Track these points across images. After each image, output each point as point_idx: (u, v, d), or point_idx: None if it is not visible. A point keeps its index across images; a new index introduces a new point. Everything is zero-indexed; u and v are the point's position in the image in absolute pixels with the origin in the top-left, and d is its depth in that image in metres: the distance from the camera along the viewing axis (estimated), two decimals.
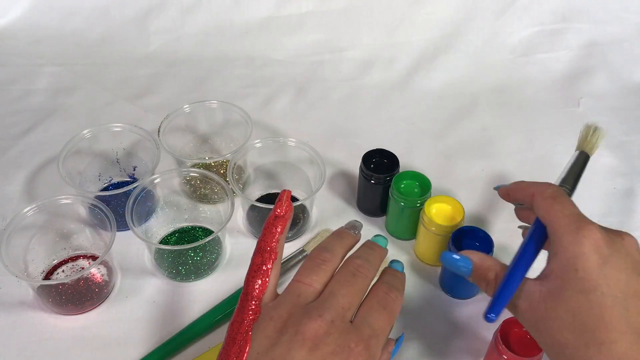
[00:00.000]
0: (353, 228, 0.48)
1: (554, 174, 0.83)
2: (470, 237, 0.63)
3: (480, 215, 0.76)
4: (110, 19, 1.04)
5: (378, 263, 0.44)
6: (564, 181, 0.55)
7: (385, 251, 0.46)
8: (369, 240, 0.47)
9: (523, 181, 0.50)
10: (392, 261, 0.47)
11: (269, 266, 0.41)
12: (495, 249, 0.72)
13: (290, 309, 0.38)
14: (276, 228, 0.42)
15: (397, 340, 0.45)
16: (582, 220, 0.42)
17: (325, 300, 0.39)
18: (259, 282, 0.40)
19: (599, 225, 0.42)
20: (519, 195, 0.50)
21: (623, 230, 0.43)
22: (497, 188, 0.54)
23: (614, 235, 0.42)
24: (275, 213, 0.43)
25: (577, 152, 0.59)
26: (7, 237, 0.62)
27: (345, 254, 0.45)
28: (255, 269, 0.41)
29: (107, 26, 1.04)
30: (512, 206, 0.78)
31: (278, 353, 0.36)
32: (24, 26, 1.04)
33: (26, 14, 1.04)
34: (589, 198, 0.79)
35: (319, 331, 0.37)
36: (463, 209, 0.66)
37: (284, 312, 0.38)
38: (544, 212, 0.44)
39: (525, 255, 0.45)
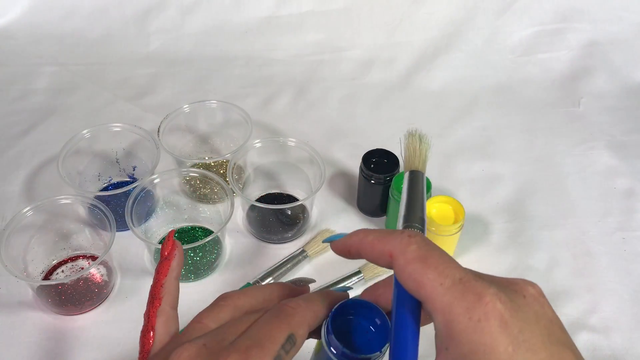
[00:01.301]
0: (297, 282, 0.44)
1: (555, 174, 0.83)
2: (360, 315, 0.36)
3: (480, 215, 0.76)
4: (110, 18, 1.04)
5: (308, 315, 0.35)
6: (407, 219, 0.41)
7: (322, 308, 0.36)
8: (324, 291, 0.39)
9: (368, 231, 0.34)
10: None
11: (153, 316, 0.37)
12: (495, 249, 0.73)
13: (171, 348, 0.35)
14: (158, 274, 0.39)
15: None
16: (470, 290, 0.29)
17: (209, 330, 0.35)
18: (147, 336, 0.37)
19: (494, 285, 0.29)
20: (367, 254, 0.34)
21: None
22: (326, 241, 0.39)
23: (514, 295, 0.30)
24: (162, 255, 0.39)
25: (408, 172, 0.46)
26: (7, 237, 0.62)
27: (263, 300, 0.38)
28: (145, 323, 0.38)
29: (107, 26, 1.04)
30: (512, 206, 0.78)
31: None
32: (23, 26, 1.04)
33: (26, 14, 1.04)
34: (589, 198, 0.79)
35: (189, 358, 0.32)
36: (463, 209, 0.66)
37: (164, 353, 0.35)
38: (415, 286, 0.31)
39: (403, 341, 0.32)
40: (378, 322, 0.35)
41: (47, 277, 0.68)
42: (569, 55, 1.00)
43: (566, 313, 0.65)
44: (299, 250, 0.70)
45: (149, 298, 0.38)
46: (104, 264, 0.67)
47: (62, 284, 0.64)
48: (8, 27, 1.04)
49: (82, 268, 0.69)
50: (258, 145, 0.75)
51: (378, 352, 0.34)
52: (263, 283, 0.67)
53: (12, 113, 0.91)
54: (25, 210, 0.65)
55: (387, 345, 0.34)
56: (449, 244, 0.68)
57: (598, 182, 0.81)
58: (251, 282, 0.66)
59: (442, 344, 0.31)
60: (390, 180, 0.71)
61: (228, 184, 0.69)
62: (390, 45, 1.02)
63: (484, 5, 1.02)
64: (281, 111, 0.93)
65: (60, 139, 0.74)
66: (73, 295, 0.64)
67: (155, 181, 0.70)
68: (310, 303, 0.35)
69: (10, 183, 0.80)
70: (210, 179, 0.71)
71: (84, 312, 0.65)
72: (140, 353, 0.36)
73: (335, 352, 0.34)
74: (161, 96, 0.95)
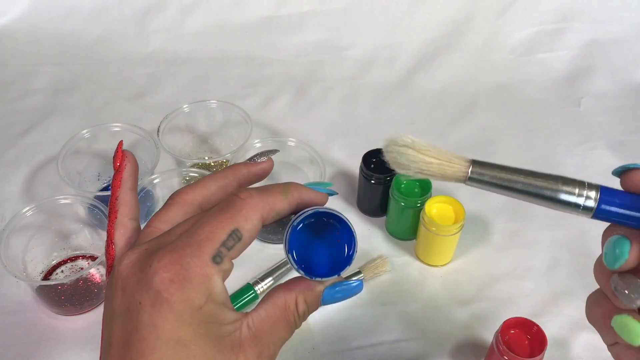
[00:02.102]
0: (258, 156, 0.41)
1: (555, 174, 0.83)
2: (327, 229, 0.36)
3: (480, 216, 0.76)
4: (109, 18, 1.04)
5: (259, 207, 0.32)
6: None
7: (282, 202, 0.34)
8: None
9: None
10: (318, 184, 0.38)
11: (111, 229, 0.36)
12: (495, 250, 0.72)
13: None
14: (113, 187, 0.37)
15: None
16: None
17: (160, 233, 0.33)
18: (109, 250, 0.35)
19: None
20: None
21: None
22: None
23: None
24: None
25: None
26: (6, 237, 0.62)
27: (218, 188, 0.36)
28: (106, 238, 0.36)
29: (106, 26, 1.04)
30: (512, 206, 0.78)
31: (107, 307, 0.32)
32: (23, 26, 1.04)
33: (25, 14, 1.04)
34: None
35: (128, 265, 0.31)
36: (464, 209, 0.66)
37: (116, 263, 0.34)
38: None
39: None
40: (346, 241, 0.35)
41: (46, 277, 0.68)
42: (570, 55, 1.00)
43: (566, 313, 0.64)
44: None
45: (108, 213, 0.37)
46: (104, 264, 0.67)
47: (62, 284, 0.64)
48: (7, 27, 1.04)
49: (82, 268, 0.69)
50: (258, 145, 0.75)
51: (336, 276, 0.34)
52: (263, 283, 0.66)
53: (11, 113, 0.91)
54: (24, 210, 0.65)
55: (347, 269, 0.34)
56: (449, 244, 0.68)
57: (598, 182, 0.81)
58: (251, 283, 0.66)
59: None
60: (391, 180, 0.70)
61: None
62: (391, 45, 1.02)
63: (485, 5, 1.02)
64: (281, 111, 0.93)
65: (60, 139, 0.74)
66: (72, 295, 0.64)
67: (155, 181, 0.70)
68: (266, 194, 0.33)
69: (9, 183, 0.80)
70: None
71: (83, 312, 0.65)
72: (106, 268, 0.36)
73: (295, 264, 0.34)
74: (161, 96, 0.95)
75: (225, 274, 0.31)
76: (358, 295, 0.71)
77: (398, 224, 0.72)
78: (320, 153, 0.73)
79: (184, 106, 0.79)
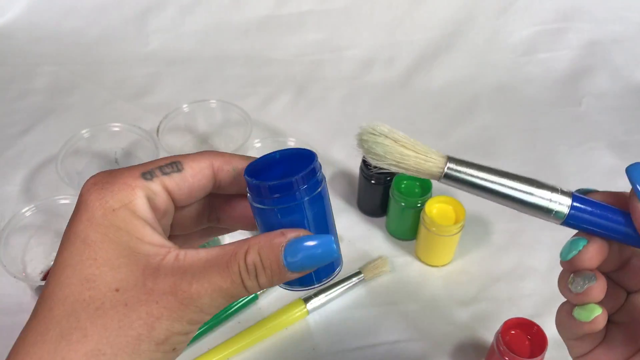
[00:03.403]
0: None
1: (556, 174, 0.83)
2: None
3: (481, 216, 0.75)
4: (109, 18, 1.04)
5: (227, 156, 0.33)
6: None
7: (241, 160, 0.33)
8: None
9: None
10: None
11: None
12: (495, 250, 0.72)
13: None
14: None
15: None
16: None
17: None
18: None
19: None
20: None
21: None
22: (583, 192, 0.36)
23: None
24: None
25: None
26: (6, 238, 0.62)
27: None
28: None
29: (106, 25, 1.04)
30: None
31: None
32: (22, 25, 1.04)
33: (25, 13, 1.04)
34: None
35: (88, 184, 0.31)
36: (464, 209, 0.66)
37: None
38: None
39: None
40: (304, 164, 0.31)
41: (46, 277, 0.67)
42: (570, 54, 1.00)
43: None
44: None
45: None
46: None
47: None
48: (7, 26, 1.04)
49: None
50: (258, 145, 0.74)
51: (295, 178, 0.30)
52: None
53: (11, 113, 0.91)
54: (24, 211, 0.64)
55: (309, 172, 0.31)
56: (449, 245, 0.68)
57: (599, 182, 0.81)
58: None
59: None
60: (391, 180, 0.70)
61: None
62: (391, 45, 1.02)
63: (485, 5, 1.02)
64: (281, 111, 0.92)
65: (59, 139, 0.74)
66: None
67: None
68: (225, 153, 0.33)
69: (9, 183, 0.79)
70: None
71: None
72: None
73: (250, 190, 0.31)
74: (160, 96, 0.95)
75: (155, 198, 0.30)
76: (358, 295, 0.71)
77: (398, 224, 0.72)
78: (320, 153, 0.73)
79: (184, 106, 0.79)
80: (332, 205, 0.35)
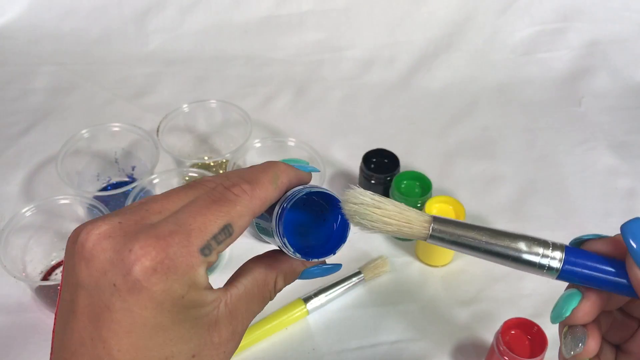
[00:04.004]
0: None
1: (556, 174, 0.83)
2: (318, 207, 0.36)
3: (481, 216, 0.75)
4: (109, 18, 1.04)
5: (252, 205, 0.32)
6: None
7: (273, 192, 0.33)
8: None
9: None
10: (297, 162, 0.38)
11: None
12: None
13: None
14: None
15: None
16: None
17: (133, 205, 0.31)
18: None
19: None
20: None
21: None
22: (580, 240, 0.35)
23: None
24: None
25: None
26: (5, 238, 0.62)
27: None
28: None
29: (106, 25, 1.04)
30: (513, 206, 0.78)
31: (68, 272, 0.30)
32: (22, 25, 1.04)
33: (24, 13, 1.04)
34: (590, 198, 0.79)
35: (98, 237, 0.29)
36: (464, 209, 0.66)
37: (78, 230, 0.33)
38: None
39: None
40: (338, 217, 0.35)
41: (46, 277, 0.68)
42: (570, 54, 1.00)
43: None
44: None
45: None
46: None
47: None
48: (7, 26, 1.04)
49: None
50: (258, 145, 0.74)
51: (332, 254, 0.34)
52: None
53: (10, 113, 0.91)
54: (24, 211, 0.64)
55: (342, 246, 0.34)
56: None
57: (599, 182, 0.81)
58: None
59: None
60: (391, 180, 0.70)
61: None
62: (391, 45, 1.02)
63: (485, 5, 1.02)
64: (281, 111, 0.92)
65: (59, 139, 0.74)
66: None
67: (155, 181, 0.70)
68: (258, 188, 0.32)
69: (9, 183, 0.79)
70: None
71: None
72: None
73: (291, 249, 0.33)
74: (160, 96, 0.95)
75: (210, 265, 0.30)
76: (358, 295, 0.71)
77: None
78: (320, 153, 0.73)
79: (184, 106, 0.79)
80: None
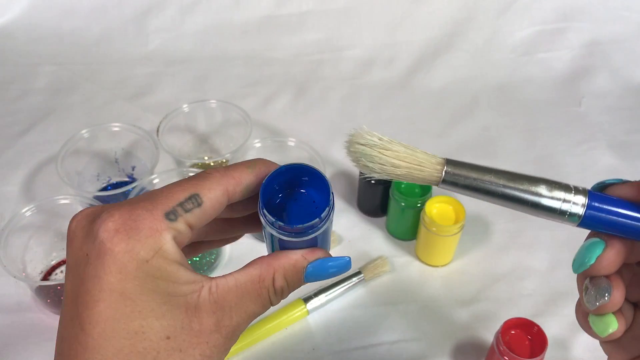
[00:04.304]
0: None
1: (556, 174, 0.83)
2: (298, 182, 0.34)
3: (481, 216, 0.75)
4: (109, 18, 1.04)
5: (224, 181, 0.32)
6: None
7: (248, 175, 0.33)
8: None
9: None
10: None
11: None
12: (496, 250, 0.72)
13: None
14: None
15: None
16: None
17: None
18: None
19: None
20: None
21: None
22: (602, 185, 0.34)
23: None
24: None
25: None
26: (5, 238, 0.62)
27: None
28: None
29: (106, 25, 1.04)
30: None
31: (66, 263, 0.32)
32: (22, 25, 1.04)
33: (25, 13, 1.04)
34: None
35: (79, 218, 0.30)
36: (464, 209, 0.66)
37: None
38: None
39: None
40: (319, 186, 0.33)
41: (46, 277, 0.68)
42: (570, 54, 1.00)
43: (567, 313, 0.64)
44: None
45: None
46: None
47: (61, 285, 0.63)
48: (7, 26, 1.04)
49: None
50: (258, 145, 0.74)
51: (317, 219, 0.31)
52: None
53: (11, 113, 0.91)
54: (24, 211, 0.64)
55: (327, 210, 0.31)
56: (449, 244, 0.68)
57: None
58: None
59: None
60: (391, 180, 0.70)
61: None
62: (391, 45, 1.02)
63: (485, 5, 1.02)
64: (281, 111, 0.92)
65: (59, 139, 0.74)
66: None
67: (155, 181, 0.70)
68: (231, 169, 0.33)
69: (9, 183, 0.79)
70: None
71: None
72: None
73: (270, 224, 0.31)
74: (160, 96, 0.95)
75: (180, 236, 0.30)
76: (358, 295, 0.71)
77: (398, 224, 0.72)
78: (320, 153, 0.73)
79: (184, 106, 0.79)
80: None
